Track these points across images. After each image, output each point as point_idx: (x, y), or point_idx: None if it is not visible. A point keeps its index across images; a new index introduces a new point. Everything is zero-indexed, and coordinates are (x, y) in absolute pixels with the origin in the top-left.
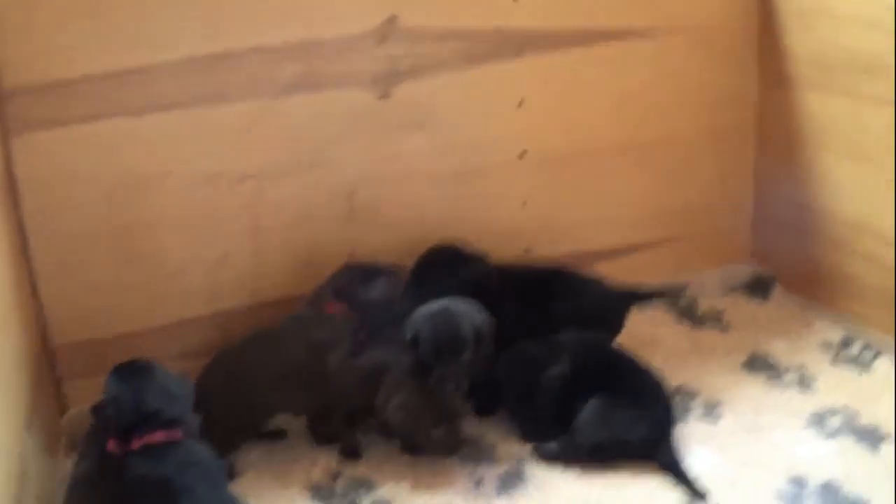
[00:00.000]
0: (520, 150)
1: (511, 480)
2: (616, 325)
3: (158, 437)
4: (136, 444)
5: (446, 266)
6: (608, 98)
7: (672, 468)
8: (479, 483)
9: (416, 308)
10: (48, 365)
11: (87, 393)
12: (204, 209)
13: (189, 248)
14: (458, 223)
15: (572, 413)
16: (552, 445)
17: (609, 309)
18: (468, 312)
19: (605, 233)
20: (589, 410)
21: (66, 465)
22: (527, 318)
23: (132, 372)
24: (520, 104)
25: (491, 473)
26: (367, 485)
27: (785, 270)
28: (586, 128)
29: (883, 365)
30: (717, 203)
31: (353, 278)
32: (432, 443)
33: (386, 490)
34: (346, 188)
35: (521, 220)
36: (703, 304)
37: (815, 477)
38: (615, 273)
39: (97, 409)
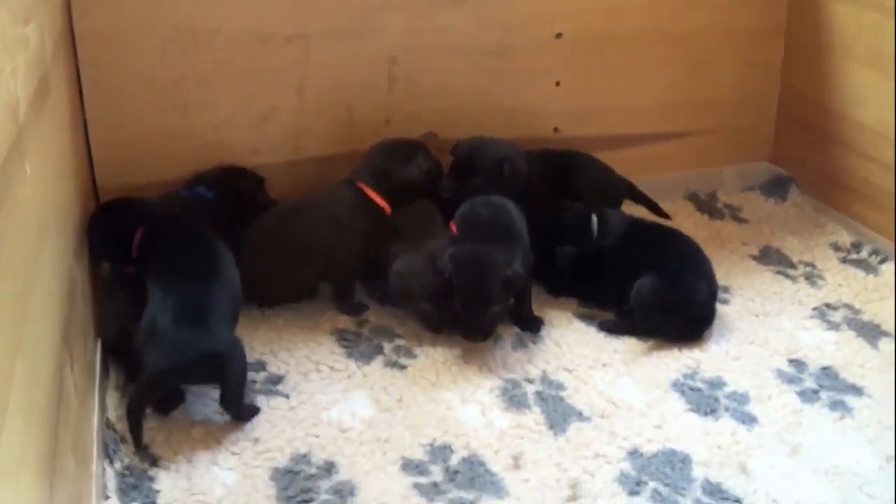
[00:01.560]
0: (556, 32)
1: (527, 337)
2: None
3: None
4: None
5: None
6: None
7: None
8: (496, 339)
9: (459, 203)
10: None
11: None
12: (253, 66)
13: (236, 102)
14: (492, 98)
15: (623, 282)
16: (615, 321)
17: (616, 190)
18: (501, 262)
19: (633, 119)
20: (640, 286)
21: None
22: (552, 194)
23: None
24: None
25: (509, 331)
26: (390, 333)
27: (803, 172)
28: (622, 14)
29: (890, 269)
30: (743, 101)
31: (390, 157)
32: (420, 313)
33: (407, 339)
34: (388, 55)
35: (553, 100)
36: (722, 198)
37: (815, 361)
38: (639, 160)
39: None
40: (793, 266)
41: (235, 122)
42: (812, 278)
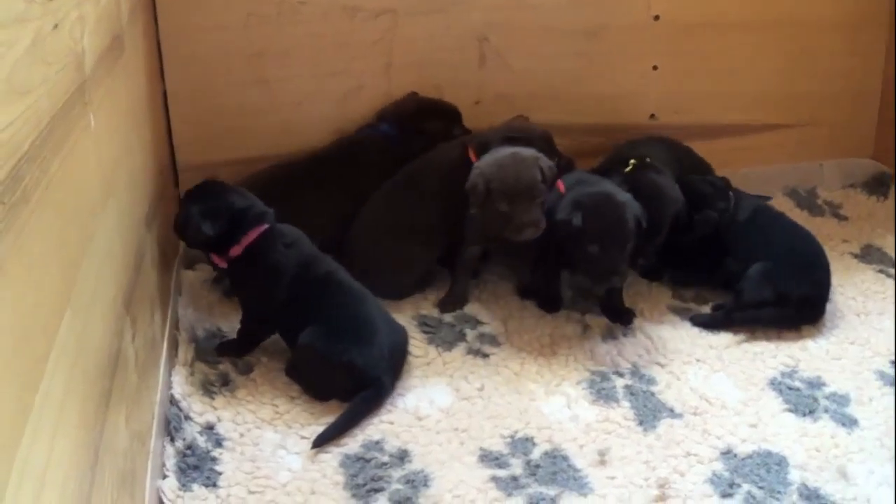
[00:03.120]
0: (654, 13)
1: (618, 329)
2: None
3: (252, 235)
4: (236, 251)
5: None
6: None
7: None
8: (585, 330)
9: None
10: (173, 183)
11: None
12: (338, 41)
13: (320, 78)
14: (586, 81)
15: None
16: (711, 314)
17: None
18: (627, 199)
19: (731, 109)
20: (755, 270)
21: (181, 278)
22: None
23: (203, 191)
24: None
25: (598, 321)
26: (473, 321)
27: None
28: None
29: None
30: (844, 94)
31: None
32: (463, 259)
33: (492, 327)
34: (479, 33)
35: (649, 85)
36: (822, 194)
37: None
38: (737, 150)
39: (177, 230)
40: (894, 265)
41: (318, 98)
42: None
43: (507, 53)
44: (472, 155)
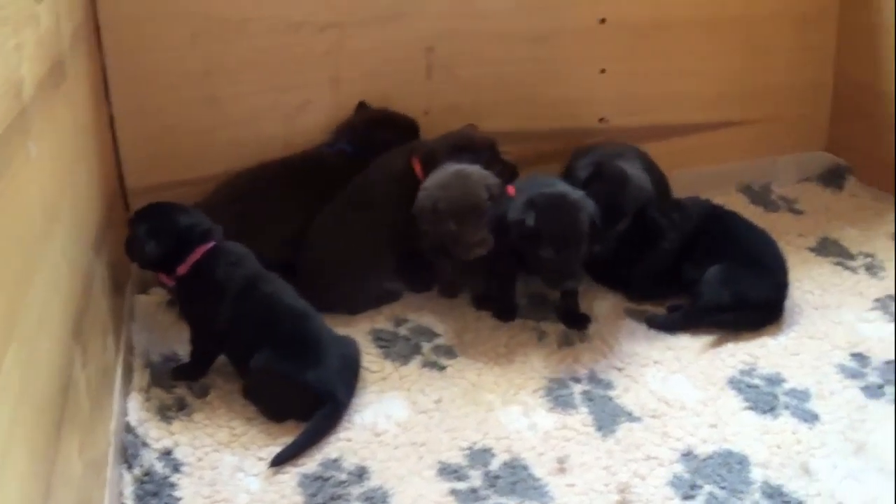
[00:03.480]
0: (599, 16)
1: (574, 335)
2: None
3: (198, 253)
4: (183, 269)
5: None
6: None
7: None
8: (541, 337)
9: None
10: (123, 206)
11: None
12: (285, 56)
13: (268, 94)
14: (535, 86)
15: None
16: (667, 316)
17: None
18: (581, 199)
19: (682, 108)
20: (712, 273)
21: (134, 302)
22: None
23: (149, 211)
24: None
25: (553, 328)
26: (429, 333)
27: (860, 161)
28: None
29: None
30: (796, 89)
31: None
32: (437, 270)
33: (447, 339)
34: (425, 43)
35: (598, 88)
36: (777, 190)
37: (879, 355)
38: (689, 150)
39: (126, 250)
40: (852, 257)
41: (268, 115)
42: (873, 269)
43: (454, 62)
44: (416, 164)
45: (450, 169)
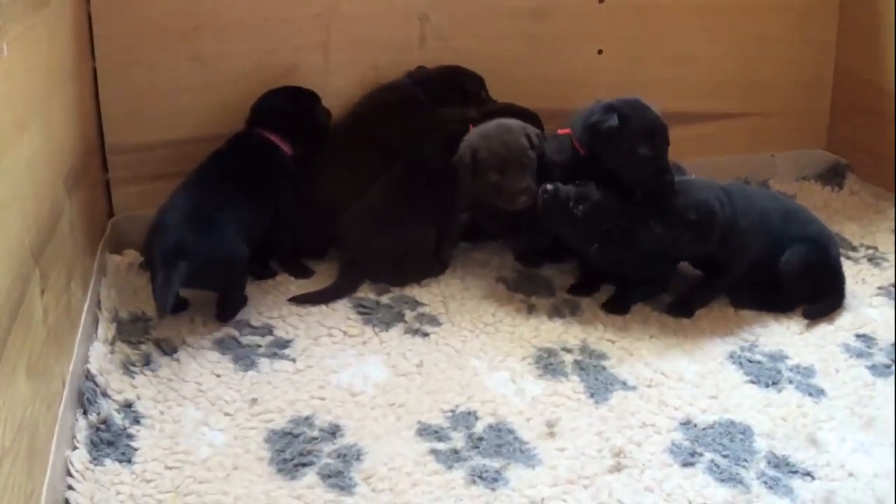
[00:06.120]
0: None
1: (564, 308)
2: None
3: None
4: None
5: None
6: None
7: None
8: (531, 310)
9: None
10: (101, 165)
11: (133, 201)
12: (276, 17)
13: (256, 56)
14: (531, 64)
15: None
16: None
17: None
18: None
19: (680, 95)
20: (795, 256)
21: (106, 260)
22: None
23: None
24: None
25: (544, 302)
26: (412, 302)
27: (860, 158)
28: None
29: None
30: (797, 83)
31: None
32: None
33: (432, 308)
34: (419, 10)
35: (595, 69)
36: (776, 186)
37: (885, 337)
38: (687, 140)
39: None
40: (854, 249)
41: (254, 77)
42: (875, 260)
43: (449, 33)
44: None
45: (489, 123)
